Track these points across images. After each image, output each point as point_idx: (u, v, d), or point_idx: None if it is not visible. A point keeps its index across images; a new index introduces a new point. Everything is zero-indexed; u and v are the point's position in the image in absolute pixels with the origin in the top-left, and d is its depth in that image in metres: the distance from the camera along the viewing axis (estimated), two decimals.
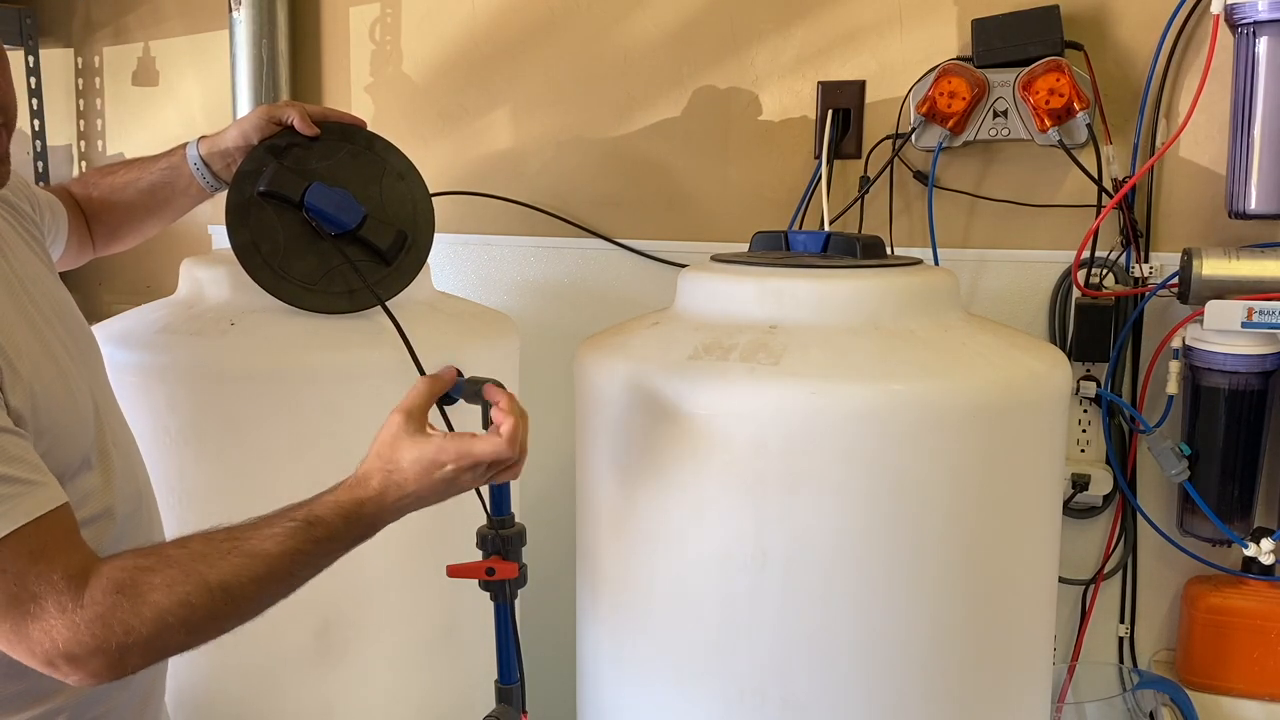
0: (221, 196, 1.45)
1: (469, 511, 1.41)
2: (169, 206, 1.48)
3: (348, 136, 1.47)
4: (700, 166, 1.98)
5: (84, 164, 2.42)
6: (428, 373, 1.21)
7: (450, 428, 1.27)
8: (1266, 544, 1.66)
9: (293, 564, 1.04)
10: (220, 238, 2.24)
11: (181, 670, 1.47)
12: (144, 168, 1.47)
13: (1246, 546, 1.67)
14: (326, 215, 1.40)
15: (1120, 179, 1.74)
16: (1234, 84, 1.61)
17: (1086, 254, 1.75)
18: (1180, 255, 1.66)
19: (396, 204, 1.48)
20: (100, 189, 1.45)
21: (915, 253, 1.73)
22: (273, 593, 1.04)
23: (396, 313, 1.49)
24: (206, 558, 1.00)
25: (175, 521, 1.43)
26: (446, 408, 1.46)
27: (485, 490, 1.36)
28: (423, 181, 1.51)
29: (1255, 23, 1.56)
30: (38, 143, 2.38)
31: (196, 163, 1.44)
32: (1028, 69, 1.70)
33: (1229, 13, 1.58)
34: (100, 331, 1.55)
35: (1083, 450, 1.83)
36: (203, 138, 1.46)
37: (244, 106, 2.12)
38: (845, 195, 1.89)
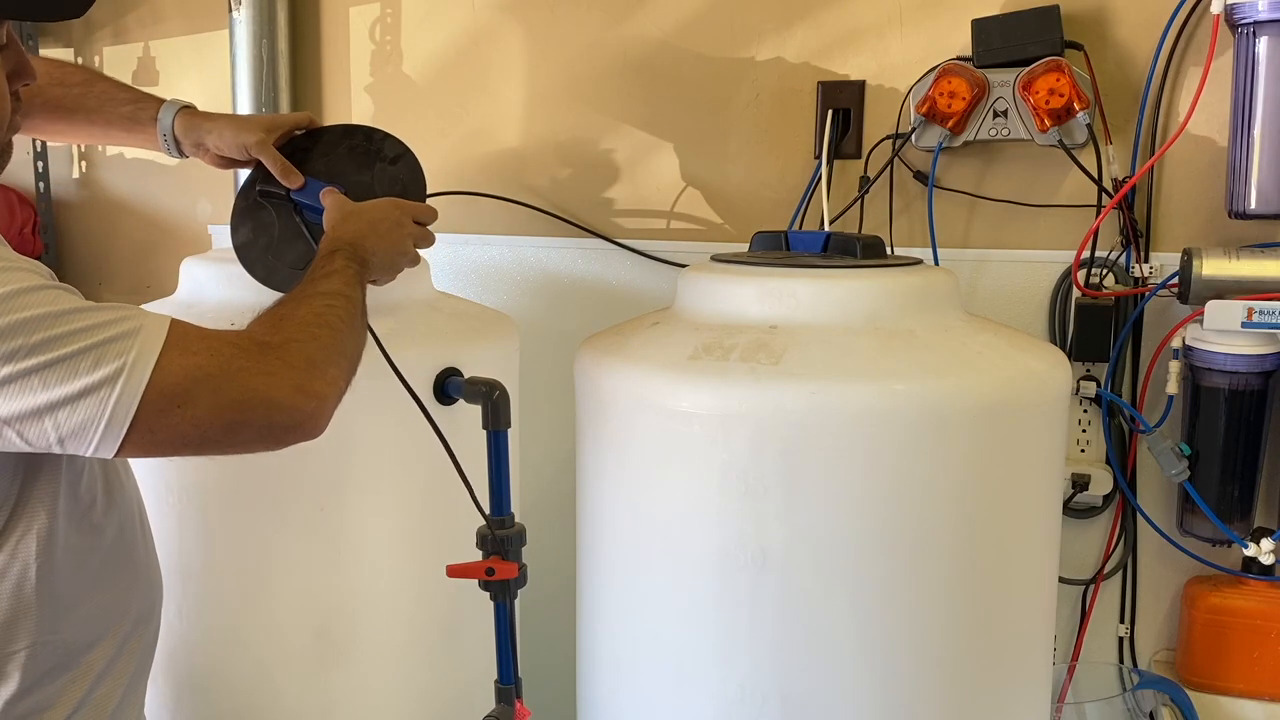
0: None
1: (469, 511, 1.41)
2: (113, 137, 1.48)
3: (348, 134, 1.49)
4: (700, 166, 1.98)
5: (84, 164, 2.42)
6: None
7: (439, 433, 1.34)
8: (1266, 544, 1.66)
9: (338, 283, 1.17)
10: (220, 238, 2.24)
11: (182, 670, 1.48)
12: (110, 90, 1.44)
13: (1246, 546, 1.67)
14: (313, 207, 1.42)
15: (1120, 179, 1.74)
16: (1234, 84, 1.61)
17: (1086, 254, 1.75)
18: (1180, 255, 1.66)
19: (386, 186, 1.50)
20: (65, 84, 1.42)
21: (915, 253, 1.73)
22: (361, 301, 1.18)
23: (397, 312, 1.49)
24: (306, 285, 1.15)
25: (176, 521, 1.43)
26: (447, 407, 1.46)
27: (486, 491, 1.36)
28: (416, 162, 1.51)
29: (1255, 23, 1.56)
30: (38, 142, 2.38)
31: (166, 134, 1.42)
32: (1028, 69, 1.70)
33: (1229, 13, 1.58)
34: None
35: (1083, 450, 1.83)
36: (185, 109, 1.43)
37: (244, 106, 2.12)
38: (845, 195, 1.89)
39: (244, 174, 1.47)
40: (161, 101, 1.44)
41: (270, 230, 1.42)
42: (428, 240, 1.38)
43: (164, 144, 1.43)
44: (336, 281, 1.16)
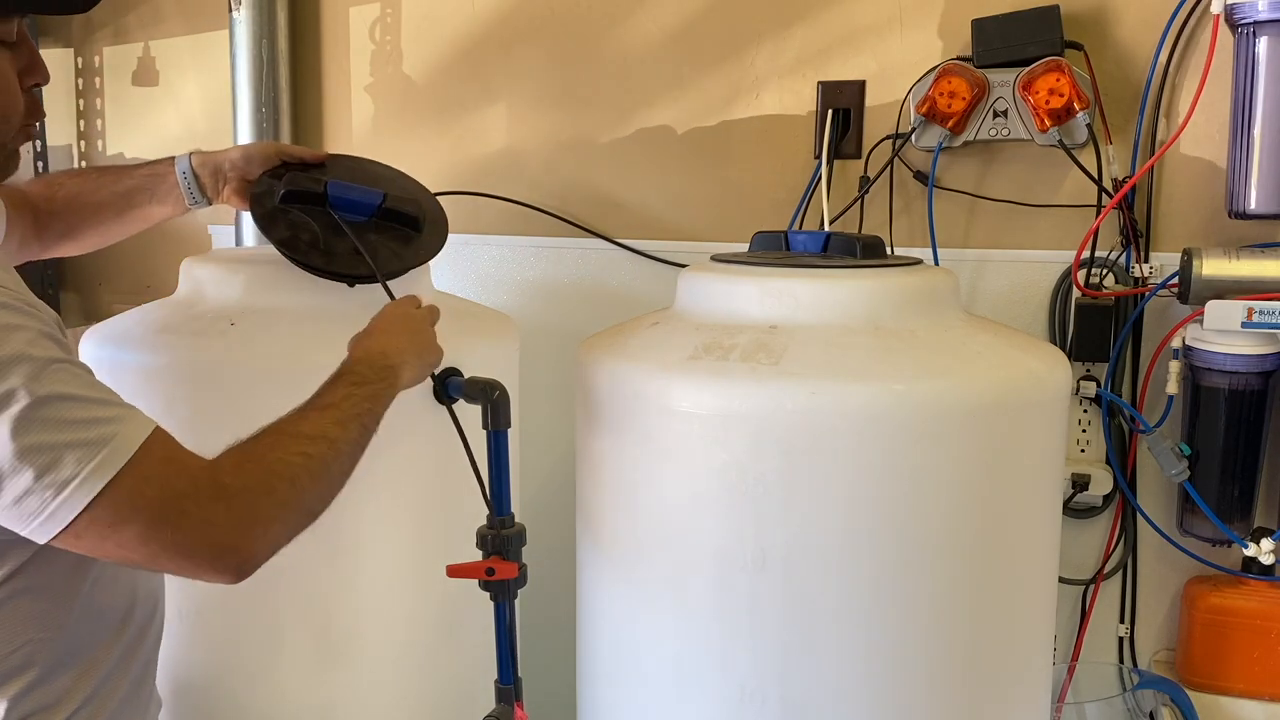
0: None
1: (469, 511, 1.41)
2: (139, 214, 1.48)
3: (338, 161, 1.52)
4: (700, 166, 1.98)
5: (84, 164, 2.42)
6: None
7: (458, 424, 1.33)
8: (1266, 544, 1.66)
9: (356, 408, 1.14)
10: (220, 238, 2.24)
11: (182, 670, 1.48)
12: (122, 172, 1.47)
13: (1246, 546, 1.67)
14: (350, 201, 1.43)
15: (1120, 179, 1.74)
16: (1234, 84, 1.61)
17: (1086, 254, 1.75)
18: (1180, 255, 1.66)
19: (403, 190, 1.53)
20: (67, 188, 1.44)
21: (915, 253, 1.73)
22: (355, 436, 1.13)
23: None
24: (294, 421, 1.09)
25: None
26: (448, 406, 1.46)
27: (485, 491, 1.36)
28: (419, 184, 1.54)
29: (1255, 23, 1.56)
30: (38, 143, 2.38)
31: (185, 172, 1.44)
32: (1028, 69, 1.70)
33: (1229, 13, 1.58)
34: (100, 331, 1.55)
35: (1083, 450, 1.83)
36: (195, 151, 1.46)
37: (244, 106, 2.12)
38: (845, 195, 1.89)
39: None
40: (173, 158, 1.47)
41: (308, 228, 1.42)
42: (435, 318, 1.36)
43: (183, 184, 1.45)
44: (327, 419, 1.11)
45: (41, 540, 0.95)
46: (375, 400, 1.17)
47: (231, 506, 0.99)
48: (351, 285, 1.44)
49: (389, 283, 1.40)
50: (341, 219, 1.43)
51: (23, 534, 0.95)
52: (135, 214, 1.48)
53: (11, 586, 1.03)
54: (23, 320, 0.95)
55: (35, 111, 1.12)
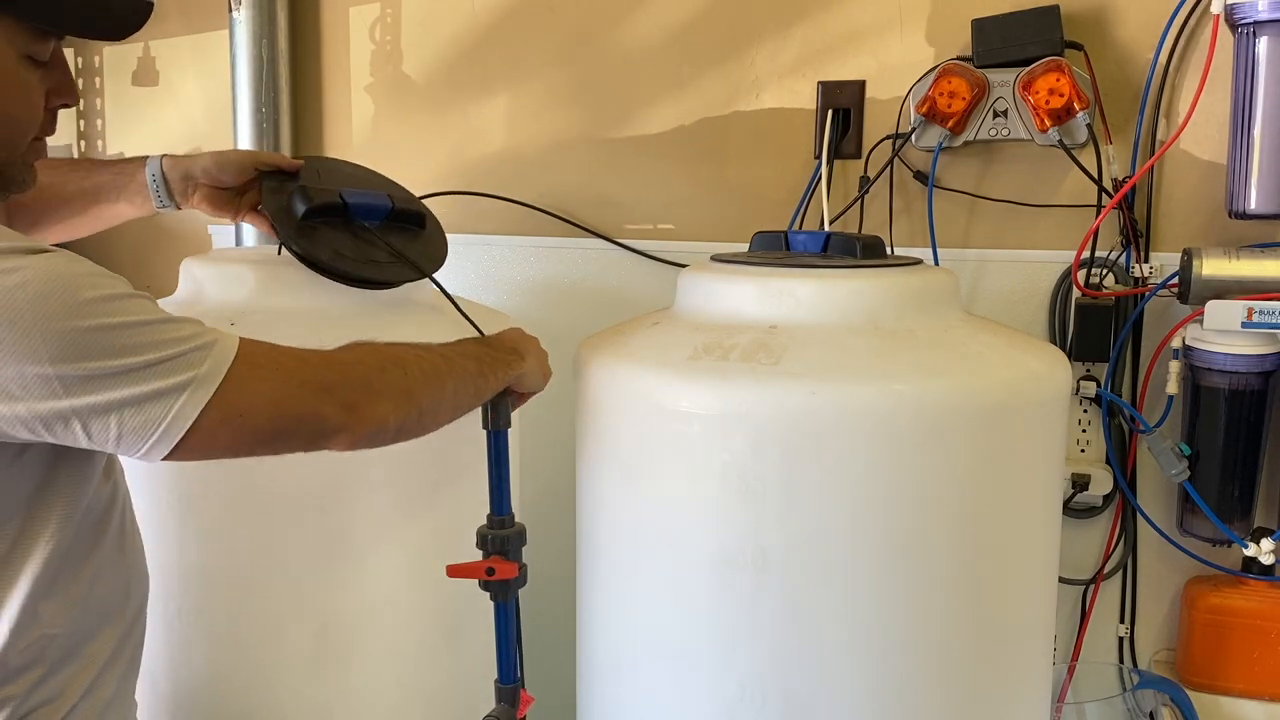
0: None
1: (469, 511, 1.41)
2: (105, 211, 1.47)
3: (312, 165, 1.52)
4: (700, 166, 1.98)
5: None
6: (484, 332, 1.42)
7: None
8: (1266, 544, 1.66)
9: (474, 355, 1.26)
10: (220, 238, 2.24)
11: (181, 670, 1.48)
12: (93, 166, 1.46)
13: (1246, 546, 1.67)
14: (367, 208, 1.45)
15: (1120, 179, 1.74)
16: (1234, 84, 1.61)
17: (1086, 254, 1.75)
18: (1180, 255, 1.66)
19: (388, 188, 1.54)
20: (39, 180, 1.43)
21: (915, 253, 1.73)
22: (468, 374, 1.23)
23: (397, 312, 1.49)
24: (408, 343, 1.19)
25: (176, 521, 1.43)
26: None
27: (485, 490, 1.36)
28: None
29: (1255, 23, 1.56)
30: None
31: (155, 174, 1.44)
32: (1028, 69, 1.70)
33: (1229, 13, 1.58)
34: None
35: (1083, 450, 1.83)
36: (167, 154, 1.46)
37: (244, 106, 2.12)
38: (845, 195, 1.89)
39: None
40: (145, 157, 1.46)
41: (342, 242, 1.42)
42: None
43: (152, 186, 1.44)
44: (449, 347, 1.22)
45: (162, 453, 0.97)
46: (491, 364, 1.26)
47: (343, 373, 1.08)
48: (391, 288, 1.47)
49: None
50: (365, 226, 1.44)
51: (141, 452, 0.97)
52: (101, 210, 1.47)
53: (23, 585, 1.03)
54: (107, 273, 0.99)
55: (50, 128, 1.13)
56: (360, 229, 1.44)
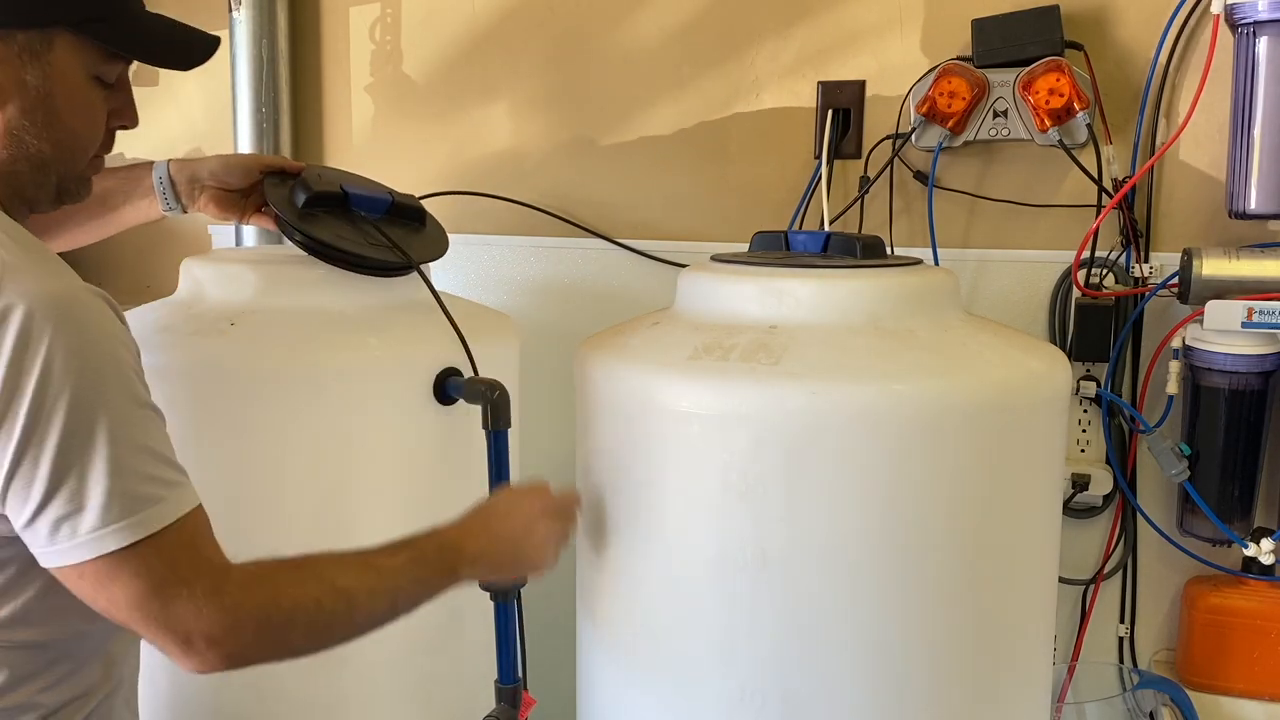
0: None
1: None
2: (114, 216, 1.48)
3: (313, 170, 1.53)
4: (700, 166, 1.98)
5: None
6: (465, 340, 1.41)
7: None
8: (1266, 544, 1.66)
9: (398, 580, 1.14)
10: (220, 238, 2.24)
11: (181, 670, 1.47)
12: (103, 173, 1.47)
13: (1246, 546, 1.67)
14: (367, 200, 1.47)
15: (1120, 179, 1.74)
16: (1234, 84, 1.61)
17: (1086, 254, 1.75)
18: (1180, 255, 1.66)
19: (386, 191, 1.55)
20: None
21: (915, 253, 1.73)
22: (380, 610, 1.14)
23: (396, 312, 1.49)
24: (336, 565, 1.10)
25: None
26: (447, 407, 1.46)
27: (486, 492, 1.36)
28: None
29: (1255, 23, 1.56)
30: None
31: (162, 177, 1.45)
32: (1028, 69, 1.70)
33: (1229, 13, 1.58)
34: None
35: (1083, 450, 1.83)
36: (174, 158, 1.48)
37: (244, 106, 2.12)
38: (845, 195, 1.89)
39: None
40: (151, 162, 1.48)
41: (336, 228, 1.44)
42: (565, 539, 1.33)
43: (159, 190, 1.45)
44: (365, 581, 1.11)
45: (46, 564, 0.98)
46: (423, 585, 1.17)
47: (222, 612, 1.00)
48: (388, 275, 1.48)
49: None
50: (364, 217, 1.46)
51: (34, 550, 0.97)
52: (111, 216, 1.48)
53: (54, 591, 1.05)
54: (128, 340, 1.01)
55: (108, 146, 1.17)
56: (360, 219, 1.46)
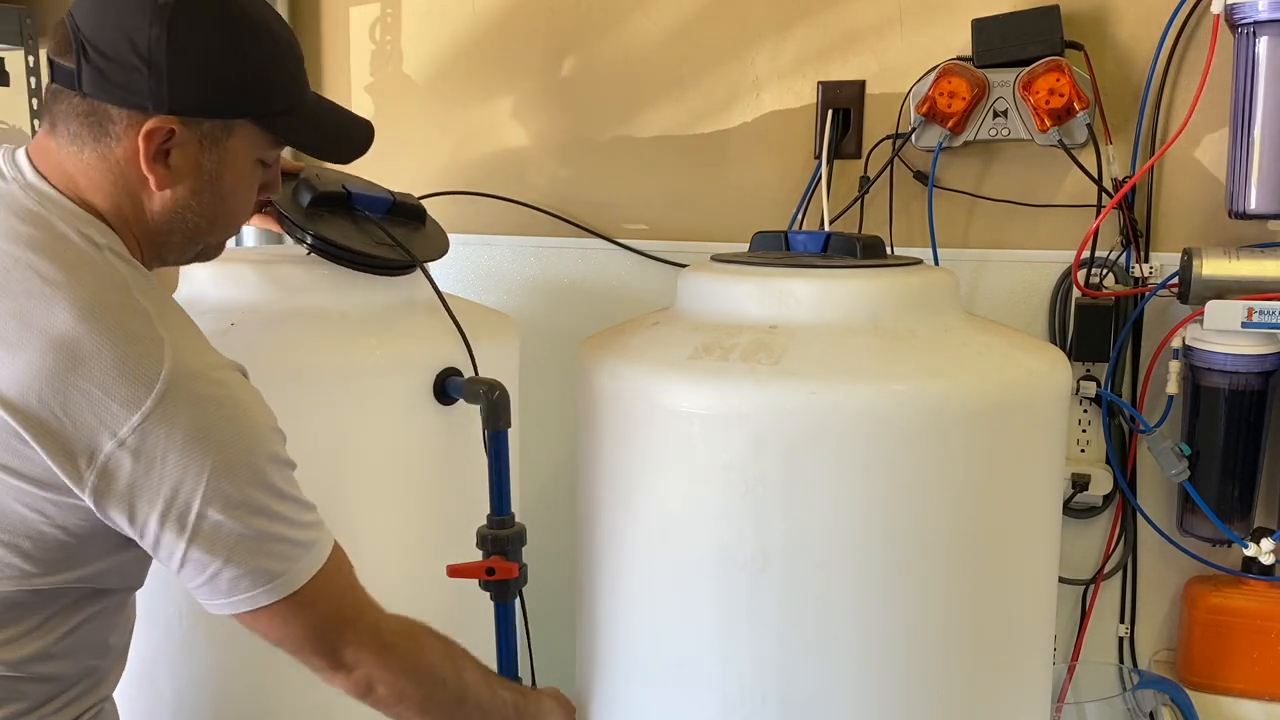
0: None
1: (469, 511, 1.41)
2: None
3: (309, 172, 1.54)
4: (700, 166, 1.98)
5: None
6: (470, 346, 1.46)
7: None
8: (1266, 544, 1.66)
9: (500, 711, 1.28)
10: None
11: (182, 672, 1.48)
12: None
13: (1246, 546, 1.67)
14: (369, 199, 1.50)
15: (1120, 179, 1.74)
16: (1234, 84, 1.61)
17: (1086, 254, 1.75)
18: (1180, 255, 1.66)
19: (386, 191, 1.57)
20: None
21: (915, 253, 1.73)
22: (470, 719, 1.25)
23: (396, 312, 1.49)
24: (470, 661, 1.26)
25: None
26: (447, 407, 1.46)
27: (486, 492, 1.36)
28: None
29: (1255, 23, 1.56)
30: None
31: None
32: (1028, 69, 1.70)
33: (1229, 13, 1.58)
34: None
35: (1083, 450, 1.83)
36: None
37: None
38: (845, 195, 1.89)
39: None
40: None
41: (340, 227, 1.46)
42: None
43: None
44: (484, 692, 1.26)
45: (221, 613, 1.07)
46: None
47: (382, 647, 1.14)
48: (393, 274, 1.49)
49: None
50: (367, 216, 1.48)
51: (209, 603, 1.06)
52: None
53: (89, 616, 1.11)
54: (261, 403, 1.08)
55: (251, 214, 1.27)
56: (362, 218, 1.48)
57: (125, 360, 0.97)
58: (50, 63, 1.05)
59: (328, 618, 1.10)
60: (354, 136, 1.22)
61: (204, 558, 1.02)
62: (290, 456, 1.09)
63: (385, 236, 1.46)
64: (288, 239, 1.51)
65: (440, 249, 1.55)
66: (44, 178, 1.06)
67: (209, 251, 1.20)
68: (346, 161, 1.22)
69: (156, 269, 1.17)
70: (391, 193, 1.53)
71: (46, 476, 0.98)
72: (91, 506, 0.99)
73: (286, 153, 2.15)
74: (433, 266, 1.65)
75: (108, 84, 1.02)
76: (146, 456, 0.97)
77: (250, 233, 2.10)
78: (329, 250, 1.44)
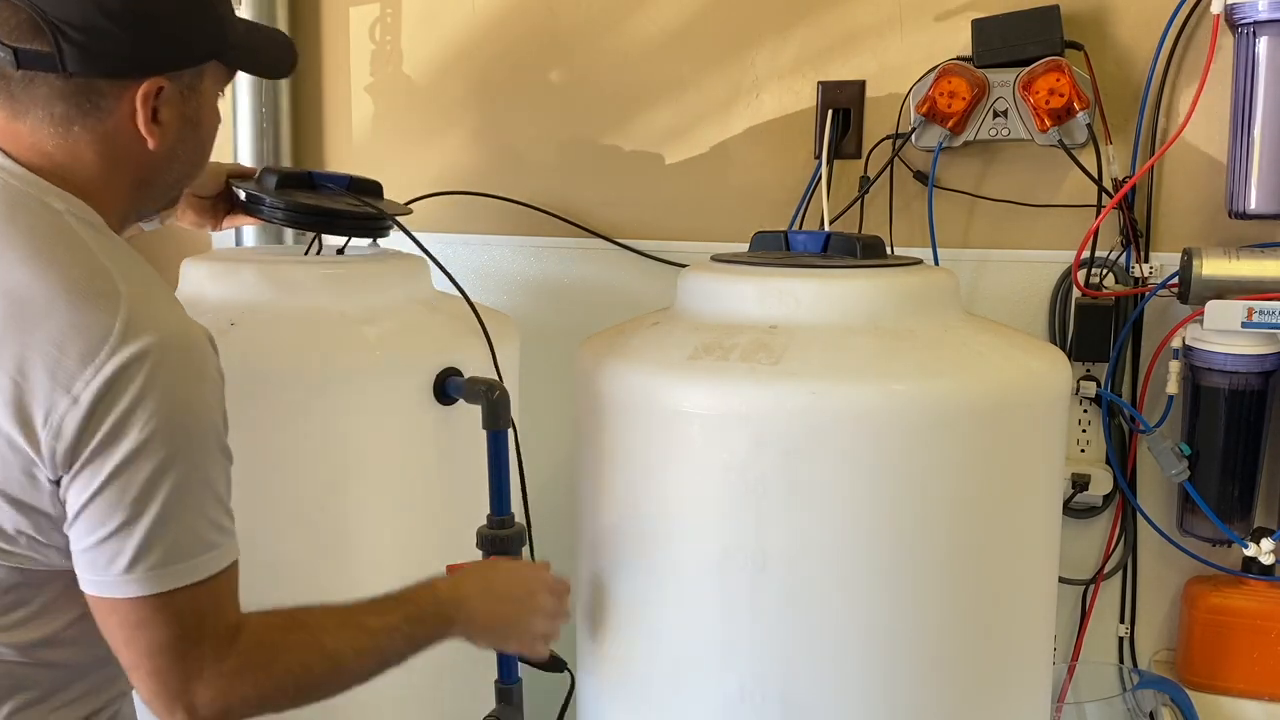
0: None
1: (469, 511, 1.41)
2: None
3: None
4: (700, 166, 1.98)
5: None
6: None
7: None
8: (1266, 544, 1.66)
9: (389, 640, 1.15)
10: (220, 238, 2.24)
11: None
12: None
13: (1246, 546, 1.67)
14: (331, 178, 1.57)
15: (1120, 179, 1.74)
16: (1234, 84, 1.61)
17: (1086, 254, 1.75)
18: (1180, 255, 1.66)
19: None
20: None
21: (915, 253, 1.73)
22: (368, 668, 1.13)
23: (397, 312, 1.50)
24: (328, 626, 1.10)
25: None
26: (447, 407, 1.46)
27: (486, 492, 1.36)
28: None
29: (1255, 23, 1.56)
30: None
31: None
32: (1028, 69, 1.70)
33: (1229, 13, 1.58)
34: None
35: (1083, 450, 1.83)
36: None
37: (244, 106, 2.12)
38: (845, 195, 1.89)
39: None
40: None
41: (310, 197, 1.52)
42: (561, 618, 1.34)
43: None
44: (356, 643, 1.12)
45: (86, 589, 0.99)
46: (413, 642, 1.17)
47: (224, 676, 1.01)
48: (367, 236, 1.59)
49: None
50: (331, 188, 1.56)
51: (82, 575, 0.99)
52: None
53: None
54: (221, 380, 1.04)
55: None
56: (326, 191, 1.55)
57: (81, 316, 0.95)
58: None
59: (201, 628, 1.00)
60: (285, 46, 1.25)
61: (112, 508, 0.95)
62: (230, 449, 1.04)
63: (353, 202, 1.52)
64: (288, 238, 1.52)
65: (403, 210, 1.60)
66: (13, 159, 1.04)
67: (177, 197, 1.23)
68: (289, 73, 1.26)
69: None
70: (350, 175, 1.60)
71: (9, 451, 0.96)
72: (49, 474, 0.96)
73: (285, 150, 2.16)
74: (433, 268, 1.65)
75: (91, 57, 1.01)
76: (98, 412, 0.94)
77: (250, 233, 2.10)
78: (302, 215, 1.48)
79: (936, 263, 1.80)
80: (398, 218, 1.55)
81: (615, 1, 1.99)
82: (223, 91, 1.16)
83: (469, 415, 1.42)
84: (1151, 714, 1.75)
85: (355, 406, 1.42)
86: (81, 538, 0.97)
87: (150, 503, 0.96)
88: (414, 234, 1.54)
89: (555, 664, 1.43)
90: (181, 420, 0.97)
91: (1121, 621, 1.85)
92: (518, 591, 1.29)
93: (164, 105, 1.06)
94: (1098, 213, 1.74)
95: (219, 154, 1.81)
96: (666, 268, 1.95)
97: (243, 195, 1.50)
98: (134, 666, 1.01)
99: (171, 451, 0.96)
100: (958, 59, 1.76)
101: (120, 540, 0.96)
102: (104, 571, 0.97)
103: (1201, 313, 1.61)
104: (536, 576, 1.32)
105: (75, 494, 0.96)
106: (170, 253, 1.63)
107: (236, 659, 1.02)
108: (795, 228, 1.90)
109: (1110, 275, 1.76)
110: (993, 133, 1.74)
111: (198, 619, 1.00)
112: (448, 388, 1.45)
